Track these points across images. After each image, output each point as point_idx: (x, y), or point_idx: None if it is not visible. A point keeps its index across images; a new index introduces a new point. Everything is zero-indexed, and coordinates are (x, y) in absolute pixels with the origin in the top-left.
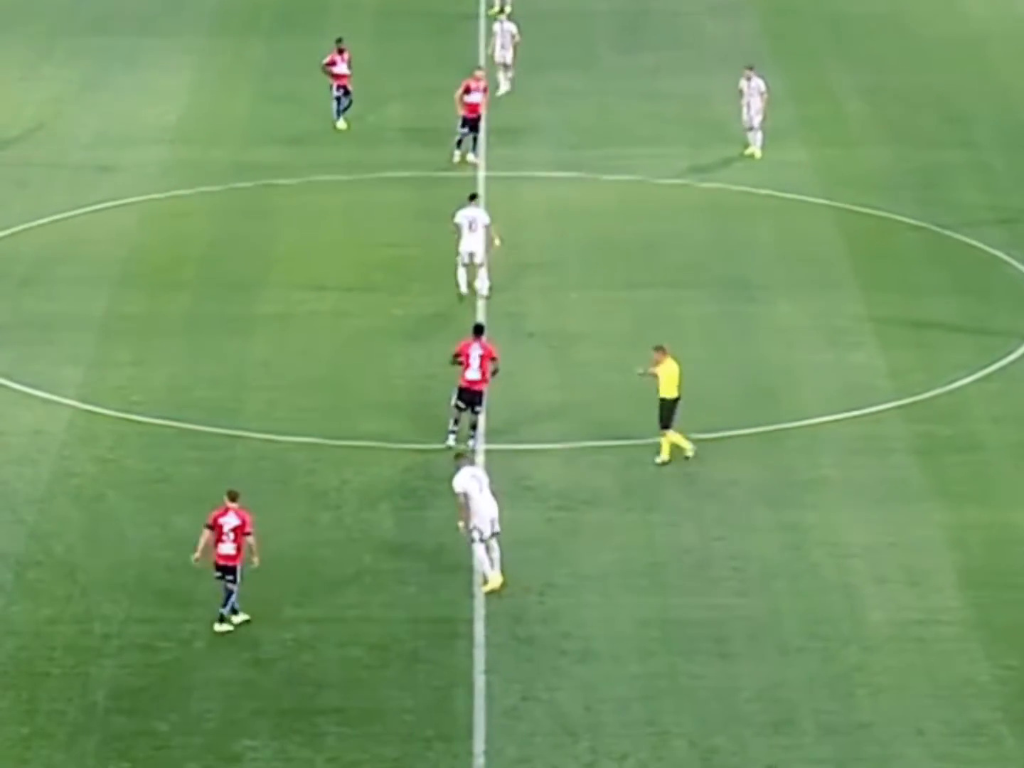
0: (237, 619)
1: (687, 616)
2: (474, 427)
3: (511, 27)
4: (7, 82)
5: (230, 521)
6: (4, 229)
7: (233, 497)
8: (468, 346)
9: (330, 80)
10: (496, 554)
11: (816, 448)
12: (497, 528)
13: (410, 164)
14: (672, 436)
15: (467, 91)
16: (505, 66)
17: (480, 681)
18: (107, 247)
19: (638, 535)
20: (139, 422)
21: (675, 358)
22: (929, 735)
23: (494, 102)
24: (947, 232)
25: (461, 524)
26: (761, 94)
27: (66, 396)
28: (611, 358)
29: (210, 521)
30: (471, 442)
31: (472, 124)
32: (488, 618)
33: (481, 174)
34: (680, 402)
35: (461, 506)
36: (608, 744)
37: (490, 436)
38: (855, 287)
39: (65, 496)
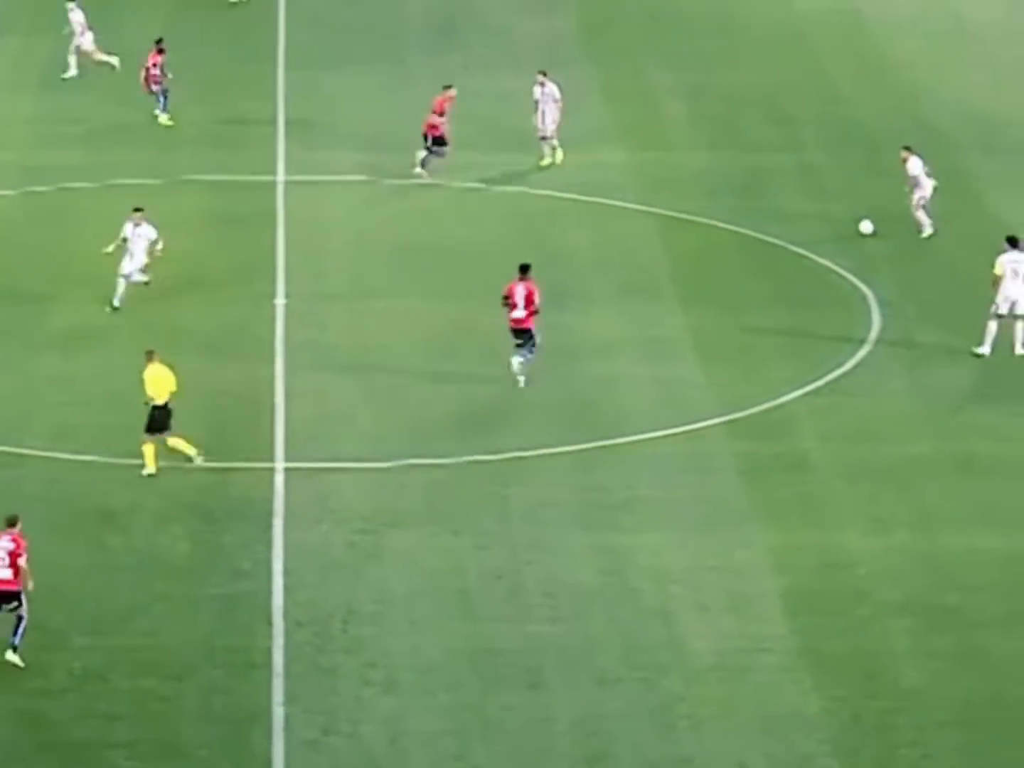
0: (11, 657)
1: (498, 645)
2: (523, 356)
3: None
4: None
5: (5, 545)
6: None
7: (11, 522)
8: (514, 286)
9: (143, 83)
10: None
11: (634, 466)
12: None
13: (206, 167)
14: (173, 442)
15: (441, 112)
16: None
17: (279, 713)
18: None
19: (446, 559)
20: None
21: (166, 363)
22: None
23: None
24: (771, 240)
25: None
26: (556, 101)
27: None
28: (419, 371)
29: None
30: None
31: (437, 141)
32: (288, 647)
33: (280, 178)
34: (169, 408)
35: None
36: None
37: (289, 454)
38: (674, 297)
39: None
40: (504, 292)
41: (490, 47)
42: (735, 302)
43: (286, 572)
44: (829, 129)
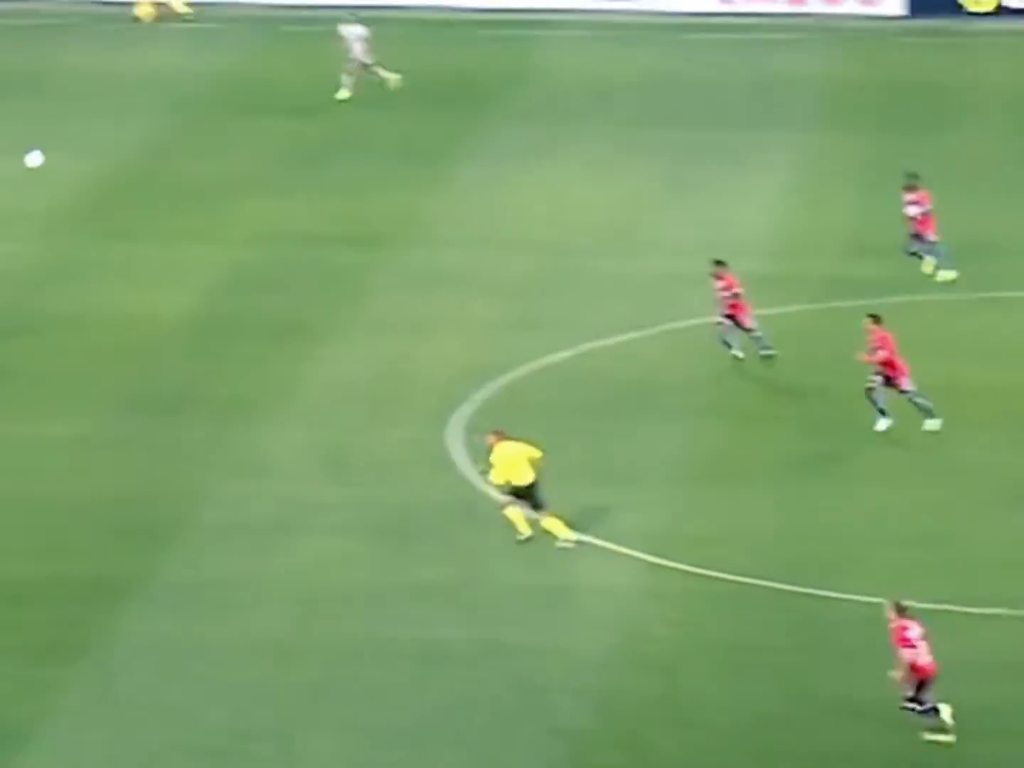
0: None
1: None
2: None
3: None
4: (574, 180)
5: (914, 629)
6: (568, 348)
7: (900, 610)
8: None
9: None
10: None
11: None
12: None
13: None
14: (548, 523)
15: None
16: (365, 66)
17: None
18: (682, 372)
19: None
20: (719, 579)
21: (513, 438)
22: None
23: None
24: None
25: None
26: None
27: (635, 548)
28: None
29: (897, 640)
30: None
31: None
32: None
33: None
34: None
35: None
36: None
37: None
38: None
39: (633, 664)
40: None
41: None
42: None
43: None
44: None
